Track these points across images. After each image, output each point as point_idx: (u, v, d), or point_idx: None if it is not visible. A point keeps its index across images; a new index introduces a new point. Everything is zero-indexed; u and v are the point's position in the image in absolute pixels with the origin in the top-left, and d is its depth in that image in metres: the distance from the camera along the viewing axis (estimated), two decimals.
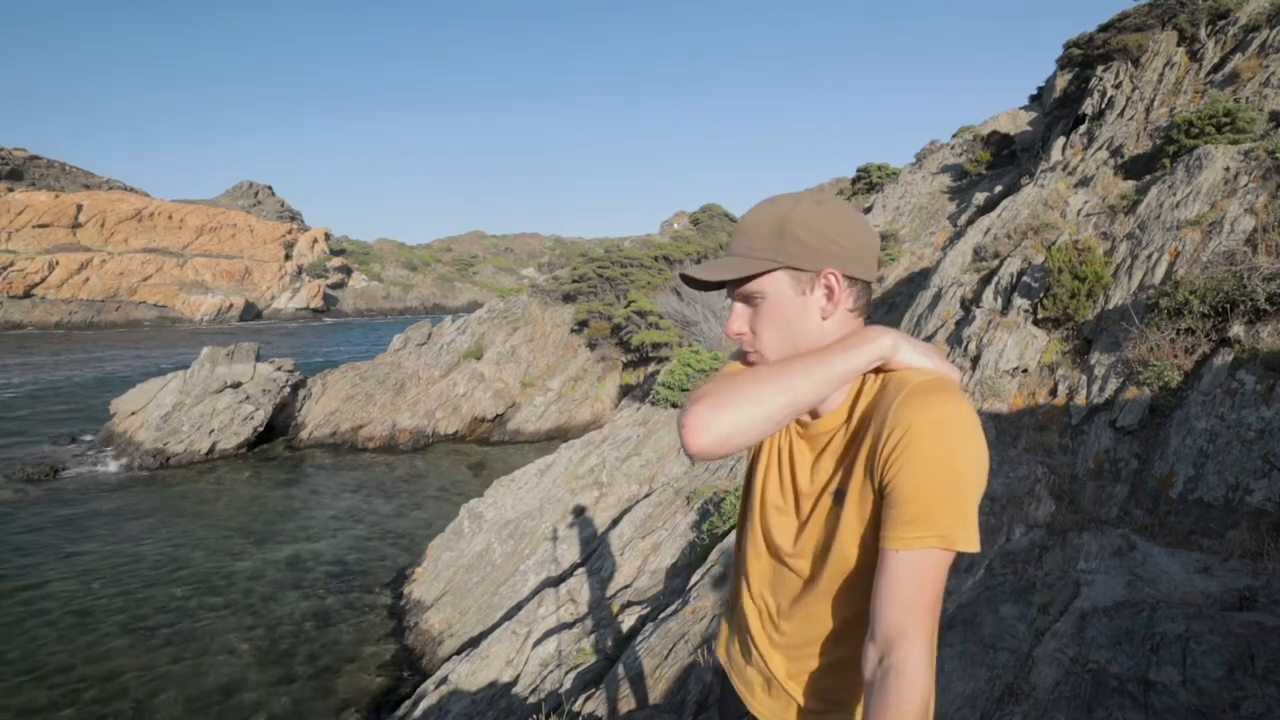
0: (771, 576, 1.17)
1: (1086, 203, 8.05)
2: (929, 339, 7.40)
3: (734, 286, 1.05)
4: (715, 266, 1.04)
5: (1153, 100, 10.19)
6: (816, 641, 1.11)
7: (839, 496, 1.03)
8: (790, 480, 1.13)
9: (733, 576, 1.40)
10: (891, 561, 0.92)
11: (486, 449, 18.25)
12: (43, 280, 47.92)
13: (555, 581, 7.49)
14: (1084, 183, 8.93)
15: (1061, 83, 14.26)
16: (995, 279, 7.21)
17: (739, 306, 1.07)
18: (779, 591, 1.16)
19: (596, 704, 4.24)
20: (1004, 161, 15.67)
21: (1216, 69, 9.91)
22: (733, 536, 4.64)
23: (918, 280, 11.17)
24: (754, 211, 1.05)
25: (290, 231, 64.60)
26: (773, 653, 1.18)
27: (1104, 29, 11.97)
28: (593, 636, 5.95)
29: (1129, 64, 11.05)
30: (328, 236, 68.18)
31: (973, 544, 0.90)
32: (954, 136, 19.75)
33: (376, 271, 70.72)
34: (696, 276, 1.05)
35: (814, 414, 1.10)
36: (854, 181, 22.93)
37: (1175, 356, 4.86)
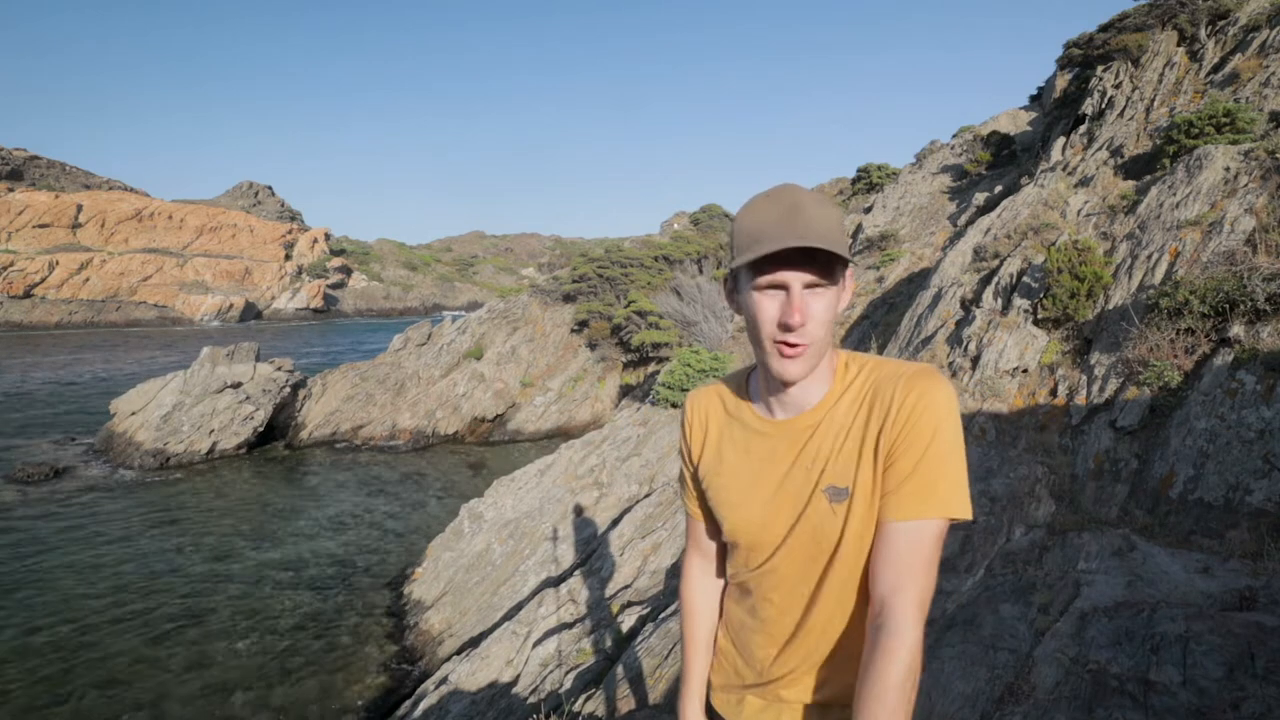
0: (765, 578, 1.14)
1: (1086, 203, 8.05)
2: (929, 339, 7.40)
3: (823, 273, 0.95)
4: (826, 240, 0.92)
5: (1153, 100, 10.19)
6: (816, 636, 1.10)
7: (840, 490, 1.02)
8: (771, 478, 1.10)
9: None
10: (893, 531, 0.96)
11: (486, 449, 18.24)
12: (43, 280, 47.96)
13: (555, 581, 7.49)
14: (1084, 183, 8.93)
15: (1061, 83, 14.27)
16: (995, 279, 7.22)
17: (806, 293, 0.96)
18: (775, 592, 1.13)
19: (596, 704, 4.23)
20: (1004, 161, 15.67)
21: (1216, 69, 9.91)
22: None
23: (918, 280, 11.18)
24: (801, 200, 0.94)
25: (290, 232, 64.62)
26: (766, 654, 1.16)
27: (1104, 29, 11.98)
28: (593, 636, 5.95)
29: (1129, 64, 11.05)
30: (328, 236, 68.20)
31: (969, 511, 0.95)
32: (954, 136, 19.78)
33: (376, 271, 70.74)
34: (823, 247, 0.91)
35: (794, 408, 1.08)
36: (854, 181, 22.91)
37: (1175, 356, 4.86)
